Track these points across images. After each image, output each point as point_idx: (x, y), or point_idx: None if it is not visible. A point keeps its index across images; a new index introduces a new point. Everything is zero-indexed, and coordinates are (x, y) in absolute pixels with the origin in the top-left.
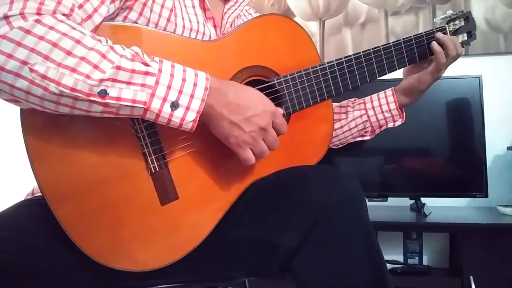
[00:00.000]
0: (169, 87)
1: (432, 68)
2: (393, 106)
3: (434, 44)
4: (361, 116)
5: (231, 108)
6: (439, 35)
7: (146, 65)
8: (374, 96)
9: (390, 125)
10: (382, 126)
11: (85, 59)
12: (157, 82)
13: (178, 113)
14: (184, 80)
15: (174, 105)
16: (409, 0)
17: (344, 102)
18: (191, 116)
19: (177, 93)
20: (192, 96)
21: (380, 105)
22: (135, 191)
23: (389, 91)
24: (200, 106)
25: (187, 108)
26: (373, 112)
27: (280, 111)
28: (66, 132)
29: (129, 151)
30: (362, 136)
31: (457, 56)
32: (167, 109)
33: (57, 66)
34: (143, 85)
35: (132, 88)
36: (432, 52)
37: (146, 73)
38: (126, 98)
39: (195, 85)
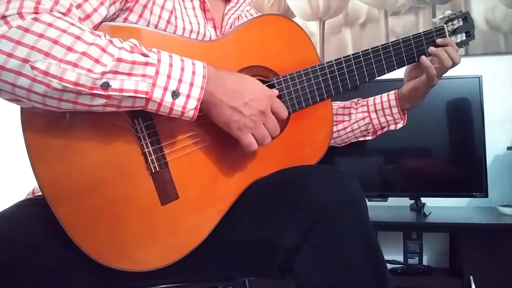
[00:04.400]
0: (169, 76)
1: (424, 79)
2: (395, 110)
3: (423, 58)
4: (363, 118)
5: (230, 94)
6: (431, 49)
7: (145, 55)
8: (377, 98)
9: (392, 127)
10: (384, 128)
11: (86, 53)
12: (157, 72)
13: (180, 101)
14: (182, 69)
15: (175, 94)
16: (409, 0)
17: (347, 103)
18: (192, 104)
19: (177, 82)
20: (191, 85)
21: (383, 109)
22: (135, 191)
23: (392, 95)
24: (200, 93)
25: (188, 96)
26: (375, 115)
27: (276, 92)
28: (67, 132)
29: (129, 151)
30: (364, 136)
31: (453, 66)
32: (168, 98)
33: (59, 62)
34: (143, 75)
35: (133, 79)
36: (432, 53)
37: (146, 64)
38: (128, 89)
39: (193, 73)
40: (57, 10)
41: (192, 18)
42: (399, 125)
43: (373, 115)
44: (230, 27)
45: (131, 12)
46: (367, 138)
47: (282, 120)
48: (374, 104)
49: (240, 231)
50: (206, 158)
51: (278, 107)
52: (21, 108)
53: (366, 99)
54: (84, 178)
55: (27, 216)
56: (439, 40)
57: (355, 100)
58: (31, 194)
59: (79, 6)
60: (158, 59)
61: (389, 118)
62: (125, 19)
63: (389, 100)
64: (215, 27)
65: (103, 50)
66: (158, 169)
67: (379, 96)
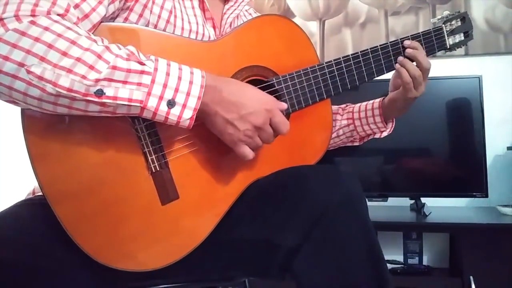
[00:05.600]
0: (165, 85)
1: (401, 90)
2: (378, 119)
3: (397, 65)
4: (348, 125)
5: (225, 105)
6: (400, 59)
7: (142, 64)
8: (363, 105)
9: (377, 135)
10: (370, 135)
11: (81, 59)
12: (153, 81)
13: (175, 111)
14: (180, 78)
15: (171, 103)
16: (409, 0)
17: (334, 108)
18: (188, 114)
19: (173, 91)
20: (188, 94)
21: (367, 117)
22: (136, 191)
23: (376, 103)
24: (196, 103)
25: (184, 106)
26: (359, 123)
27: (284, 105)
28: (67, 132)
29: (129, 150)
30: (352, 142)
31: (426, 71)
32: (163, 107)
33: (53, 67)
34: (139, 84)
35: (128, 87)
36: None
37: (142, 72)
38: (122, 97)
39: (191, 83)
40: (55, 11)
41: (191, 17)
42: (384, 134)
43: (357, 123)
44: (229, 26)
45: (132, 12)
46: (355, 144)
47: (281, 134)
48: (359, 112)
49: (240, 231)
50: (206, 158)
51: (278, 122)
52: (22, 108)
53: (353, 106)
54: (84, 178)
55: (27, 216)
56: (406, 42)
57: (343, 106)
58: (31, 194)
59: (76, 6)
60: (155, 67)
61: (372, 126)
62: (126, 19)
63: (373, 109)
64: (214, 27)
65: (99, 56)
66: (158, 169)
67: (364, 103)
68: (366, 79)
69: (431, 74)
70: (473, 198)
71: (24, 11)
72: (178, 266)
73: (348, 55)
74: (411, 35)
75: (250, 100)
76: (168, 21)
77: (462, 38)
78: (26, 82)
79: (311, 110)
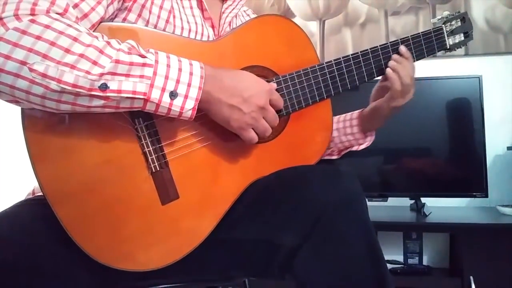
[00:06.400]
0: (166, 77)
1: (388, 96)
2: (356, 129)
3: (388, 70)
4: None
5: (228, 91)
6: (392, 63)
7: (143, 57)
8: (342, 117)
9: (355, 148)
10: (348, 147)
11: (84, 55)
12: (155, 73)
13: (177, 102)
14: (180, 69)
15: (173, 95)
16: (409, 0)
17: None
18: (190, 104)
19: (175, 82)
20: (189, 85)
21: (344, 128)
22: (136, 191)
23: (355, 114)
24: (197, 94)
25: (186, 97)
26: (337, 133)
27: (274, 85)
28: (67, 132)
29: (129, 150)
30: (330, 155)
31: (409, 80)
32: (166, 98)
33: (57, 64)
34: (141, 76)
35: (131, 80)
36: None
37: (144, 65)
38: (126, 90)
39: (191, 74)
40: (54, 10)
41: (190, 17)
42: (362, 146)
43: (335, 133)
44: (229, 25)
45: (130, 12)
46: (333, 157)
47: (280, 110)
48: (337, 122)
49: (240, 231)
50: (206, 157)
51: (276, 99)
52: (22, 108)
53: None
54: (84, 178)
55: (27, 216)
56: (402, 49)
57: None
58: (31, 194)
59: (75, 5)
60: (155, 60)
61: (350, 137)
62: (124, 19)
63: (351, 119)
64: (213, 26)
65: (101, 52)
66: (158, 169)
67: (343, 115)
68: (366, 79)
69: (431, 74)
70: (473, 198)
71: (24, 10)
72: (178, 266)
73: (348, 55)
74: (411, 36)
75: (249, 83)
76: (167, 21)
77: (462, 38)
78: (29, 80)
79: (311, 110)
